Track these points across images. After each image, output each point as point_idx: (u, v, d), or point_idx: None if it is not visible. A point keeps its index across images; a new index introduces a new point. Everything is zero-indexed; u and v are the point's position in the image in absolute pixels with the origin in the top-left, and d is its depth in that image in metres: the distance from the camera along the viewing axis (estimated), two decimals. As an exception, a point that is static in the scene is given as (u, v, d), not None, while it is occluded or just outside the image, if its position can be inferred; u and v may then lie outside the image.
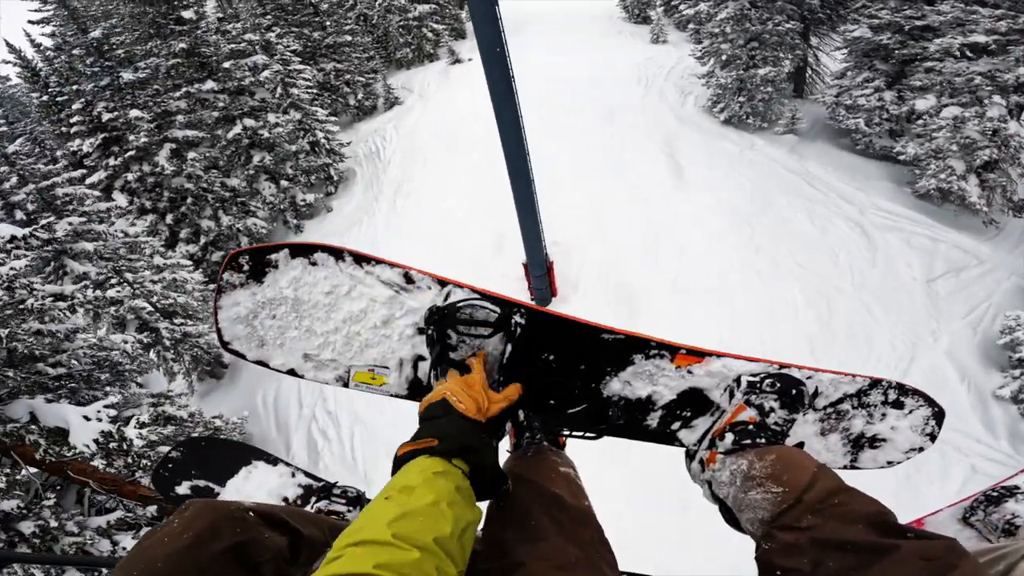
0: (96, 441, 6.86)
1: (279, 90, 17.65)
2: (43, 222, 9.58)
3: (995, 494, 1.72)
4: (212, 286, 12.45)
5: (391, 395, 1.51)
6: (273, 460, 2.14)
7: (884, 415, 1.45)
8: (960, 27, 12.44)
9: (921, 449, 1.50)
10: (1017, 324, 9.70)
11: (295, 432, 11.37)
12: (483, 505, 1.13)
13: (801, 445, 1.42)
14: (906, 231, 12.49)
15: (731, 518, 1.25)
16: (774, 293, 11.50)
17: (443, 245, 14.05)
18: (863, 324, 10.80)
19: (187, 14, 15.36)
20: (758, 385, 1.32)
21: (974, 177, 12.13)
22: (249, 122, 16.49)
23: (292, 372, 1.52)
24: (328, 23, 23.02)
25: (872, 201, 13.39)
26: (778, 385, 1.32)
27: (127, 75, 14.19)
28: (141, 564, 0.91)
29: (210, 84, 15.92)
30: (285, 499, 1.98)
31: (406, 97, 24.22)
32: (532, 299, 11.48)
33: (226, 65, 16.10)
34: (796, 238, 12.76)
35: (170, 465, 2.06)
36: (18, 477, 6.79)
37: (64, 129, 15.43)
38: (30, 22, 15.50)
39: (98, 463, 7.15)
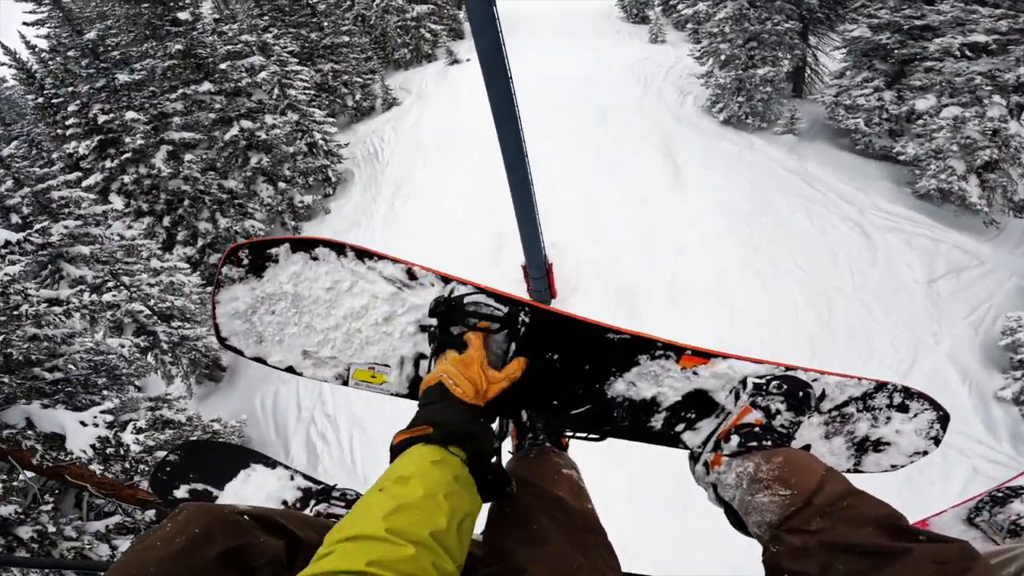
0: (93, 447, 6.83)
1: (276, 91, 17.63)
2: (38, 226, 9.53)
3: (1000, 494, 1.71)
4: (210, 289, 12.44)
5: (391, 394, 1.48)
6: (272, 463, 2.11)
7: (889, 418, 1.44)
8: (960, 27, 12.47)
9: (925, 453, 1.48)
10: (1018, 325, 9.69)
11: (294, 435, 11.35)
12: (484, 505, 1.10)
13: (808, 448, 1.40)
14: (906, 231, 12.49)
15: (737, 521, 1.23)
16: (774, 293, 11.50)
17: (443, 245, 14.04)
18: (864, 325, 10.79)
19: (183, 15, 15.30)
20: (764, 387, 1.30)
21: (974, 177, 12.13)
22: (246, 123, 16.45)
23: (290, 369, 1.49)
24: (325, 24, 22.97)
25: (872, 201, 13.40)
26: (785, 387, 1.30)
27: (123, 77, 14.16)
28: (133, 568, 0.89)
29: (207, 85, 15.88)
30: (284, 502, 1.95)
31: (404, 98, 24.22)
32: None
33: (223, 66, 16.04)
34: (795, 238, 12.76)
35: (168, 469, 2.04)
36: (15, 483, 6.76)
37: (60, 131, 15.38)
38: (25, 24, 15.43)
39: (95, 468, 7.12)
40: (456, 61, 26.38)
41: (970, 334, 10.48)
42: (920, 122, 12.78)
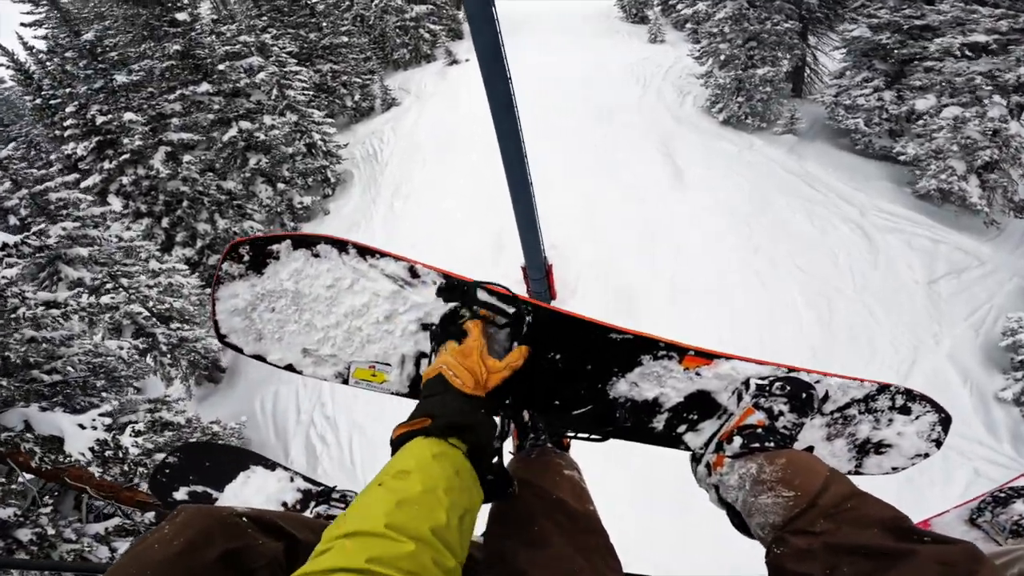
0: (91, 449, 6.82)
1: (275, 92, 17.63)
2: (35, 229, 9.50)
3: (1002, 495, 1.70)
4: (208, 290, 12.43)
5: (391, 393, 1.47)
6: (271, 465, 2.10)
7: (891, 420, 1.43)
8: (960, 26, 12.48)
9: (926, 455, 1.48)
10: (1019, 326, 9.68)
11: (293, 437, 11.34)
12: (484, 505, 1.09)
13: (811, 449, 1.39)
14: (907, 232, 12.49)
15: (739, 523, 1.22)
16: (773, 294, 11.50)
17: (442, 246, 14.04)
18: (864, 326, 10.79)
19: (181, 16, 15.31)
20: (767, 388, 1.29)
21: (975, 177, 12.14)
22: (245, 124, 16.45)
23: (290, 367, 1.48)
24: (324, 24, 22.96)
25: (872, 202, 13.41)
26: (788, 388, 1.29)
27: (121, 77, 14.15)
28: (132, 571, 0.88)
29: (205, 86, 15.89)
30: (284, 504, 1.94)
31: (403, 98, 24.23)
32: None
33: (221, 67, 16.04)
34: (795, 239, 12.77)
35: (167, 471, 2.03)
36: (13, 486, 6.75)
37: (58, 132, 15.35)
38: (23, 25, 15.41)
39: (94, 471, 7.11)
40: (455, 61, 26.39)
41: (971, 335, 10.47)
42: (920, 122, 12.79)
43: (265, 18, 21.38)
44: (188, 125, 15.59)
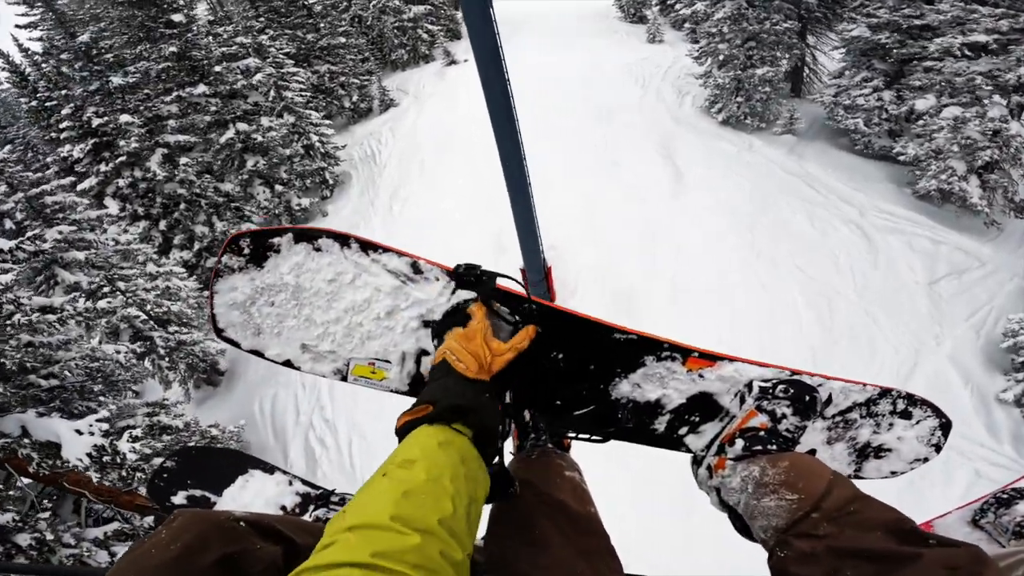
0: (89, 455, 6.79)
1: (272, 93, 17.63)
2: (30, 234, 9.44)
3: (1005, 496, 1.69)
4: (206, 293, 12.43)
5: (391, 390, 1.45)
6: (270, 468, 2.09)
7: (892, 425, 1.42)
8: (960, 26, 12.50)
9: (926, 460, 1.47)
10: (1020, 327, 9.68)
11: (292, 440, 11.32)
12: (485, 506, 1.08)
13: (813, 452, 1.39)
14: (907, 233, 12.50)
15: (741, 525, 1.21)
16: (774, 294, 11.51)
17: (442, 247, 14.02)
18: (865, 327, 10.80)
19: (177, 17, 15.28)
20: (770, 391, 1.28)
21: (975, 178, 12.14)
22: (242, 126, 16.44)
23: (288, 363, 1.46)
24: (322, 25, 22.96)
25: (872, 202, 13.42)
26: (791, 391, 1.28)
27: (117, 79, 14.15)
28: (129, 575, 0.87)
29: (202, 88, 15.87)
30: (283, 508, 1.93)
31: (402, 99, 24.22)
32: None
33: (218, 68, 16.02)
34: (796, 239, 12.77)
35: (166, 475, 2.02)
36: (11, 492, 6.73)
37: (54, 135, 15.30)
38: (17, 26, 15.37)
39: (92, 476, 7.09)
40: (453, 62, 26.38)
41: (971, 336, 10.47)
42: (920, 122, 12.80)
43: (262, 19, 21.39)
44: (185, 127, 15.58)
